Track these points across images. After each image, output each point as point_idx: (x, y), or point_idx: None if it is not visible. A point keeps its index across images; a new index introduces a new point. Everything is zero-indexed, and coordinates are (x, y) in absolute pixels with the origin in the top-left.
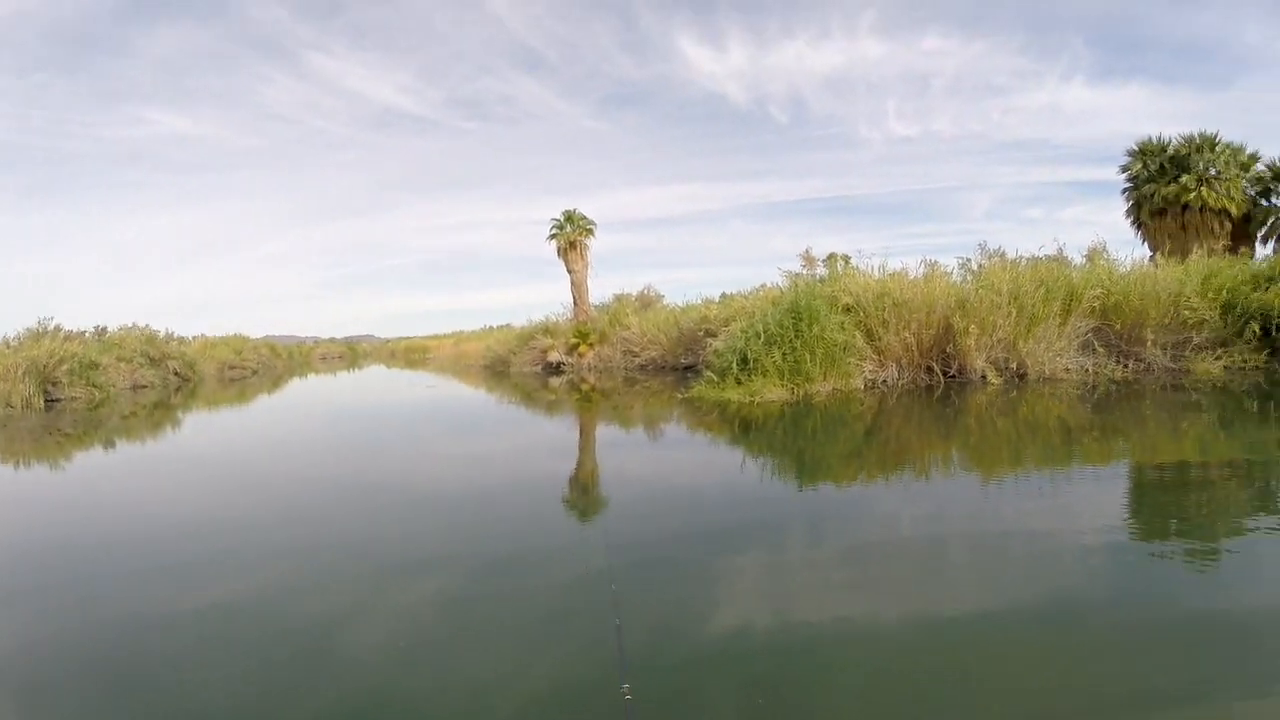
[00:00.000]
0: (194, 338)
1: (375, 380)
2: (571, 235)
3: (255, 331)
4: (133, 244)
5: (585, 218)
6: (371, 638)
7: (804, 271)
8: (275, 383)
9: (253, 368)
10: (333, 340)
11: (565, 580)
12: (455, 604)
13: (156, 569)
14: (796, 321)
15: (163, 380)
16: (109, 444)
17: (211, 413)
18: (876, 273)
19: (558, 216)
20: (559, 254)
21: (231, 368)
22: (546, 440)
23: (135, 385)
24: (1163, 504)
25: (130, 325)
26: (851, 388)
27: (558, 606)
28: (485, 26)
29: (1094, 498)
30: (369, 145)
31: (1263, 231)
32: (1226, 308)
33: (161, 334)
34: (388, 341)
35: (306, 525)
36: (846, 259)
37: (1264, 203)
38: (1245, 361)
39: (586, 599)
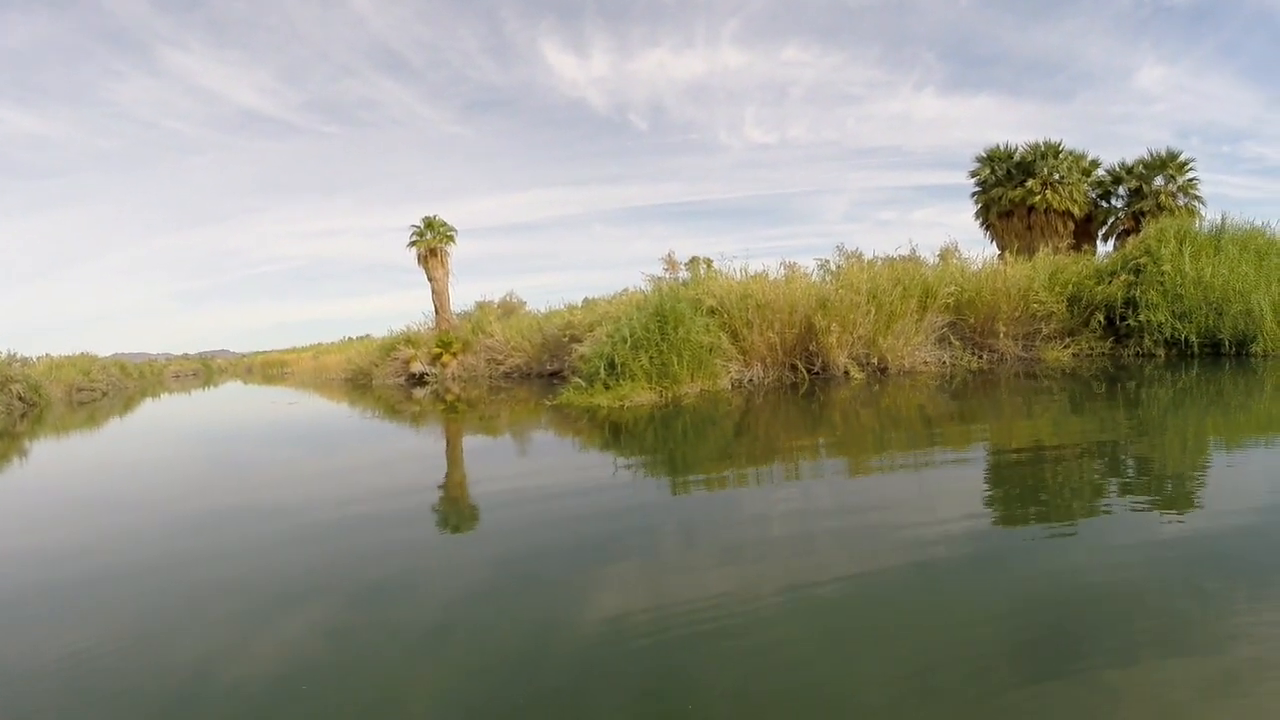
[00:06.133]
0: (38, 358)
1: (233, 398)
2: (432, 242)
3: (104, 350)
4: None
5: (446, 224)
6: (245, 676)
7: (666, 275)
8: (127, 404)
9: (103, 389)
10: (186, 357)
11: (445, 598)
12: (330, 632)
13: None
14: (662, 325)
15: (6, 406)
16: None
17: (62, 440)
18: (739, 275)
19: (418, 223)
20: (419, 261)
21: (80, 390)
22: (416, 453)
23: None
24: (1018, 481)
25: None
26: (719, 388)
27: (438, 625)
28: (348, 27)
29: (955, 478)
30: (225, 148)
31: (1103, 230)
32: (1072, 300)
33: (3, 355)
34: (244, 356)
35: (168, 558)
36: (709, 262)
37: (1104, 204)
38: (1092, 349)
39: (469, 615)
